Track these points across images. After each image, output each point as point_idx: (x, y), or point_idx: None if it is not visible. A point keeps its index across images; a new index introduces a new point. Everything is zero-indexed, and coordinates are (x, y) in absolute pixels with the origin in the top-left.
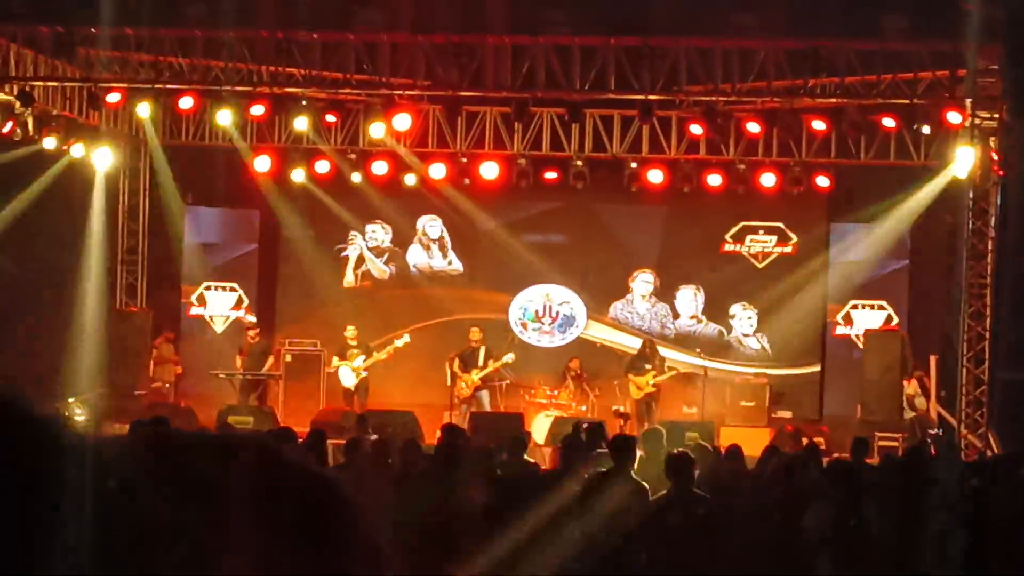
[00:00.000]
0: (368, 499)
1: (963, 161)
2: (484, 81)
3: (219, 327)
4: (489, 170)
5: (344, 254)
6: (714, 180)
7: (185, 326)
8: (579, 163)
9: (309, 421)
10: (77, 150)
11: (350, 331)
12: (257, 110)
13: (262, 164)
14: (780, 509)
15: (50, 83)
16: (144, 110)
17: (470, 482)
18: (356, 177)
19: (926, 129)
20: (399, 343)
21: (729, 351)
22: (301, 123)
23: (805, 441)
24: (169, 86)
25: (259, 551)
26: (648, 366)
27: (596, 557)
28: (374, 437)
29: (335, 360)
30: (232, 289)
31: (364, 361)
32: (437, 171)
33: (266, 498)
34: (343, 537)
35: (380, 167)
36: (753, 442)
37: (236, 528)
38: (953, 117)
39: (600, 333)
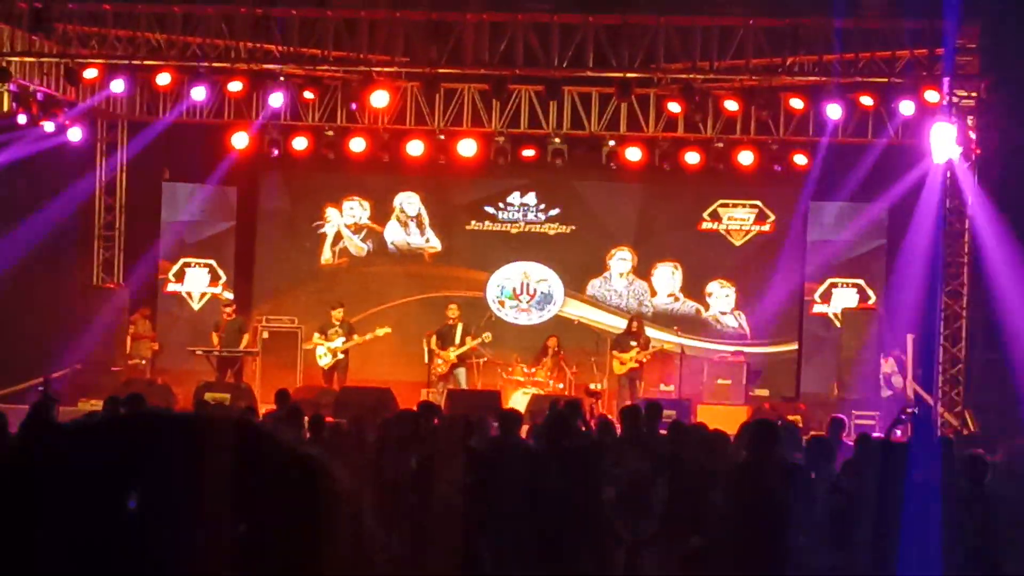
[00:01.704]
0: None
1: (940, 139)
2: (462, 58)
3: (196, 304)
4: (467, 147)
5: (321, 231)
6: (692, 158)
7: (162, 302)
8: (557, 140)
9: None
10: (51, 125)
11: (337, 312)
12: (235, 86)
13: (239, 140)
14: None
15: (27, 58)
16: (120, 86)
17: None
18: (330, 154)
19: (907, 108)
20: (380, 332)
21: (706, 329)
22: (277, 99)
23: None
24: (147, 62)
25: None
26: (633, 343)
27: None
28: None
29: (315, 336)
30: (209, 266)
31: (343, 343)
32: (415, 148)
33: (247, 473)
34: (324, 510)
35: (358, 144)
36: (730, 420)
37: (214, 506)
38: (931, 96)
39: (578, 311)
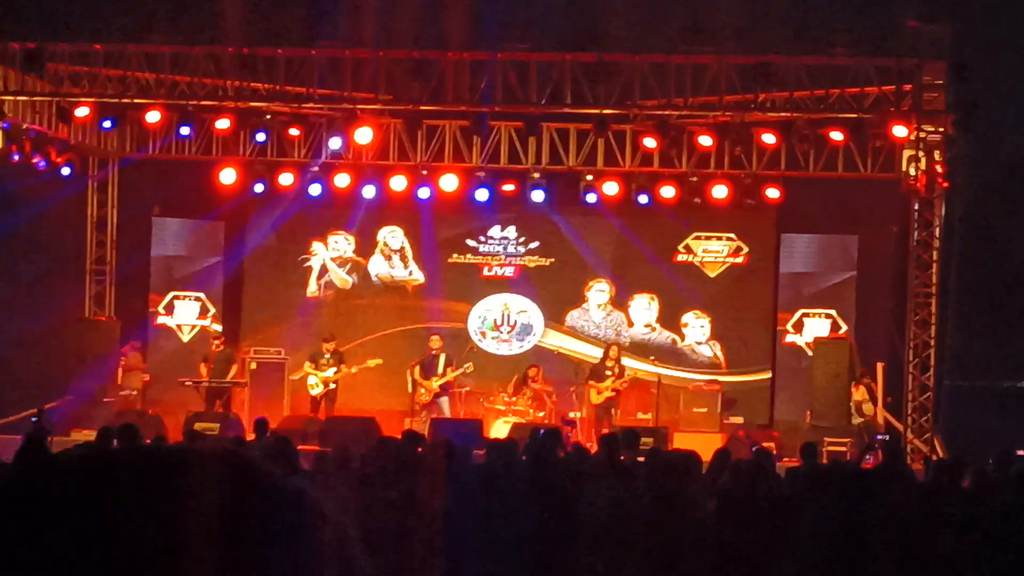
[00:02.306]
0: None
1: (909, 173)
2: (444, 96)
3: (186, 336)
4: (449, 182)
5: (307, 264)
6: (667, 192)
7: (152, 335)
8: (536, 175)
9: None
10: (44, 163)
11: (329, 345)
12: (223, 124)
13: (227, 176)
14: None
15: (20, 97)
16: (110, 124)
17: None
18: (318, 189)
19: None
20: (371, 363)
21: (682, 358)
22: (263, 136)
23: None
24: (137, 100)
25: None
26: (609, 372)
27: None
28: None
29: (306, 365)
30: (198, 299)
31: (335, 373)
32: (398, 183)
33: (236, 505)
34: (312, 545)
35: (342, 179)
36: (706, 447)
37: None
38: (899, 131)
39: (557, 341)
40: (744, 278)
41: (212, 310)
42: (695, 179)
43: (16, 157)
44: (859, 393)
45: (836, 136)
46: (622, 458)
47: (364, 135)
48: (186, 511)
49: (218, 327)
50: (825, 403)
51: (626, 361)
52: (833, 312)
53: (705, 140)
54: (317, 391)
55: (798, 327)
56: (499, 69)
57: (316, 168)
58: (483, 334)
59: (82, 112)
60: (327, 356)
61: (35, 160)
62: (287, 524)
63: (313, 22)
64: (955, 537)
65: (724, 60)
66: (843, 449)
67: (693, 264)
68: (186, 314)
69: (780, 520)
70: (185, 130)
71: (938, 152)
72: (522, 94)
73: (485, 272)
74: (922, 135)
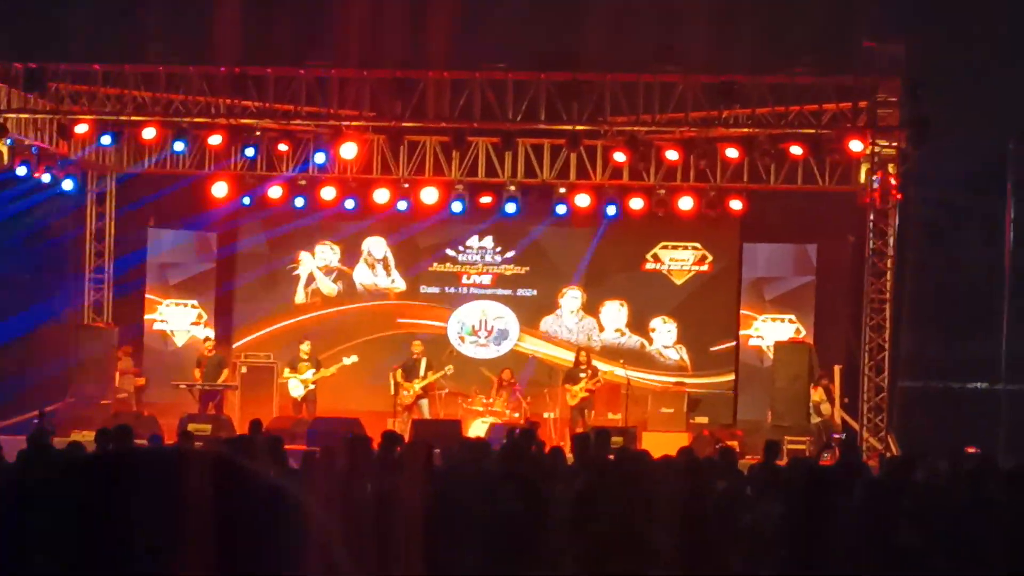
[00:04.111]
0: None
1: (864, 186)
2: (425, 113)
3: (180, 341)
4: (429, 195)
5: (295, 273)
6: (636, 203)
7: (148, 340)
8: (512, 188)
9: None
10: (47, 177)
11: (305, 346)
12: (215, 140)
13: (219, 189)
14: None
15: (23, 115)
16: (109, 140)
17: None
18: (302, 201)
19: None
20: (347, 361)
21: (650, 362)
22: (253, 151)
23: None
24: (133, 118)
25: (217, 558)
26: (582, 375)
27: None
28: None
29: (286, 371)
30: (192, 306)
31: (313, 375)
32: (381, 196)
33: (226, 505)
34: (297, 543)
35: (328, 192)
36: (673, 446)
37: (194, 536)
38: (855, 145)
39: (532, 345)
40: (709, 285)
41: (205, 316)
42: (662, 191)
43: (23, 172)
44: (817, 394)
45: (796, 151)
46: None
47: (349, 150)
48: (178, 509)
49: (210, 332)
50: (785, 403)
51: (597, 364)
52: (793, 316)
53: (672, 154)
54: (297, 392)
55: (760, 331)
56: (477, 88)
57: (303, 182)
58: (462, 339)
59: (81, 129)
60: (305, 359)
61: (38, 174)
62: (273, 521)
63: (301, 43)
64: (909, 529)
65: (691, 79)
66: (803, 447)
67: (660, 272)
68: (180, 320)
69: (733, 515)
70: (179, 146)
71: (892, 166)
72: (499, 111)
73: (464, 280)
74: (877, 149)
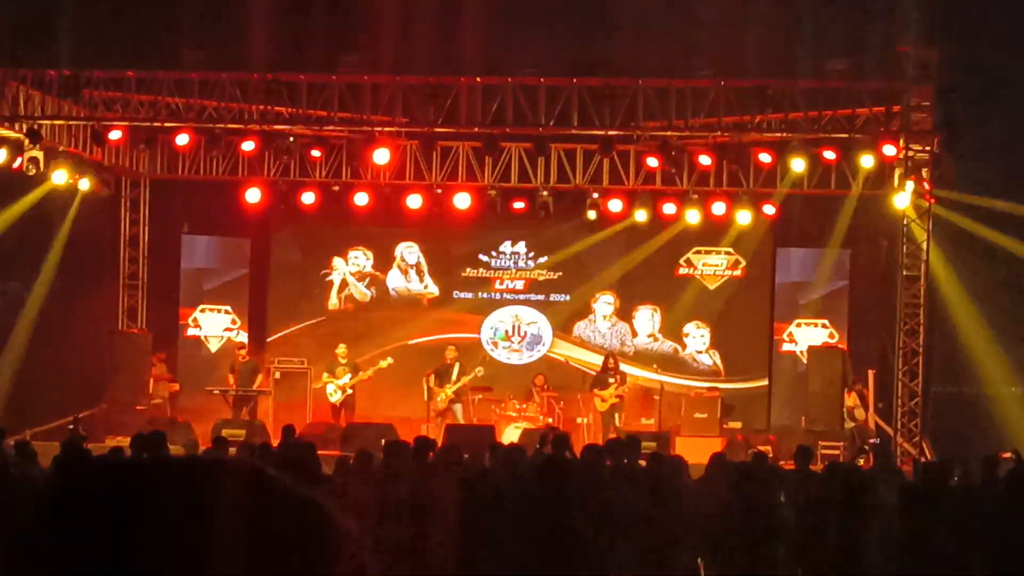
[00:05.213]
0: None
1: (898, 190)
2: (457, 118)
3: (213, 346)
4: (462, 200)
5: (328, 279)
6: (669, 208)
7: (182, 346)
8: (545, 193)
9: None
10: (83, 183)
11: (341, 349)
12: (248, 146)
13: (252, 195)
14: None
15: (57, 121)
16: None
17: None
18: (338, 207)
19: (867, 161)
20: (383, 364)
21: (684, 367)
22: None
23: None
24: (167, 124)
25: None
26: (611, 380)
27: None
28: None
29: (324, 376)
30: (226, 311)
31: (351, 379)
32: (414, 201)
33: (256, 517)
34: (328, 558)
35: (361, 198)
36: (706, 451)
37: (224, 547)
38: (888, 150)
39: (565, 350)
40: (742, 290)
41: (239, 322)
42: (695, 196)
43: (59, 179)
44: (851, 399)
45: (829, 155)
46: (625, 461)
47: (382, 156)
48: (209, 520)
49: (244, 338)
50: (819, 408)
51: (630, 369)
52: (826, 322)
53: (704, 159)
54: (336, 398)
55: (793, 336)
56: (510, 93)
57: (336, 187)
58: (495, 344)
59: (115, 135)
60: (343, 363)
61: (77, 180)
62: (304, 535)
63: (334, 49)
64: (943, 533)
65: (722, 84)
66: (836, 452)
67: (694, 277)
68: (214, 326)
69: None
70: (213, 152)
71: (925, 170)
72: (531, 116)
73: (497, 285)
74: (910, 154)
